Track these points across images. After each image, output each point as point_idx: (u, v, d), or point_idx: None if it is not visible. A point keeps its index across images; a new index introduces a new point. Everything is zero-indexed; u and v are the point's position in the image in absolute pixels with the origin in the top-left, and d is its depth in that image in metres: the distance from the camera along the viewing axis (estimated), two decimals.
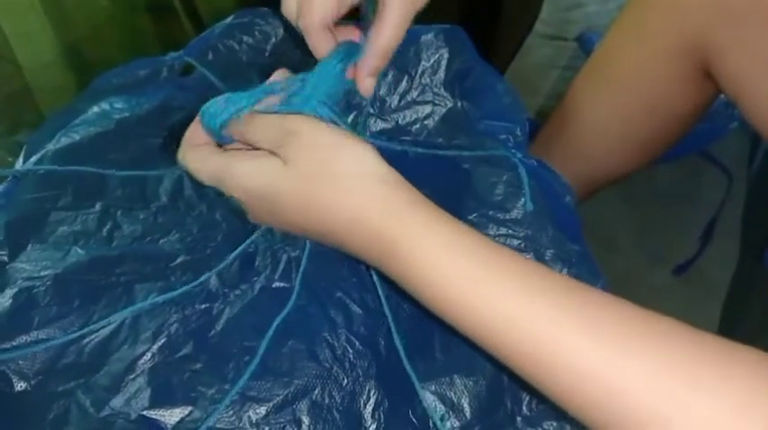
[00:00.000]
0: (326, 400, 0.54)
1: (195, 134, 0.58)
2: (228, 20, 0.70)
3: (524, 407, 0.57)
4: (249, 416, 0.52)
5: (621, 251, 1.07)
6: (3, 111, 0.80)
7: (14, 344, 0.53)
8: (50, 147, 0.61)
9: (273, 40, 0.72)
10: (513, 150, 0.59)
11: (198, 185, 0.60)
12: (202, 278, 0.56)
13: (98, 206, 0.59)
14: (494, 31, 0.65)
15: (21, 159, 0.61)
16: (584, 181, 0.83)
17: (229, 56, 0.70)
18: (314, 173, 0.50)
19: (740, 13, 0.66)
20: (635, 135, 0.82)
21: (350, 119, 0.66)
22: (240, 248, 0.58)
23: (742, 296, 0.96)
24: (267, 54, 0.71)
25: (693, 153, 1.13)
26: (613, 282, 0.59)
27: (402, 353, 0.55)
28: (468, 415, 0.56)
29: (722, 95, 0.76)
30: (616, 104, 0.81)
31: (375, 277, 0.57)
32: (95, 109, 0.63)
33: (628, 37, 0.79)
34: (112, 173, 0.60)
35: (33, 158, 0.60)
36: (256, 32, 0.71)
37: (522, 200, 0.58)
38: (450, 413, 0.55)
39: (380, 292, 0.57)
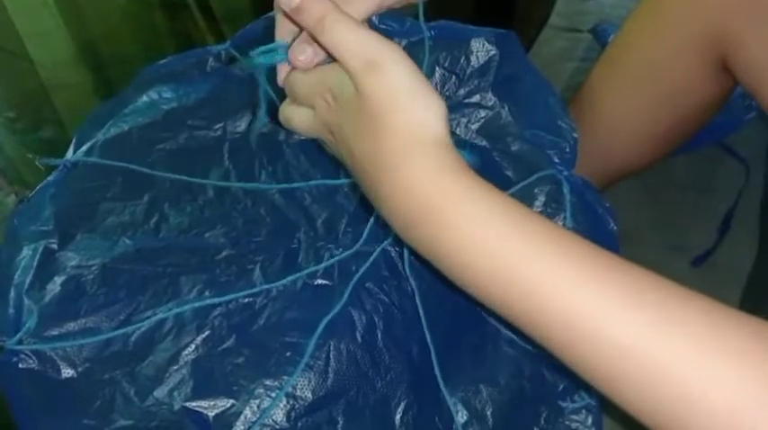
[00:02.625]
0: (360, 402, 0.55)
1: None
2: (273, 12, 0.70)
3: (542, 420, 0.59)
4: (288, 413, 0.53)
5: (639, 242, 1.07)
6: (22, 109, 0.81)
7: (62, 331, 0.54)
8: (100, 136, 0.62)
9: None
10: (560, 167, 0.59)
11: (245, 180, 0.61)
12: (255, 290, 0.57)
13: (146, 198, 0.60)
14: (508, 26, 0.64)
15: (71, 149, 0.62)
16: (602, 172, 0.83)
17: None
18: (385, 120, 0.47)
19: (758, 6, 0.66)
20: (652, 127, 0.82)
21: None
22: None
23: (761, 286, 0.96)
24: None
25: (711, 144, 1.13)
26: None
27: (434, 358, 0.56)
28: (490, 423, 0.58)
29: (740, 86, 0.76)
30: (633, 96, 0.81)
31: (412, 282, 0.58)
32: (144, 98, 0.64)
33: (645, 29, 0.78)
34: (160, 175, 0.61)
35: (83, 148, 0.61)
36: None
37: (562, 215, 0.58)
38: (474, 420, 0.57)
39: (417, 299, 0.57)
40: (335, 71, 0.49)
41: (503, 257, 0.45)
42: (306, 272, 0.58)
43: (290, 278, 0.58)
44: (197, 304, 0.55)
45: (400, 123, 0.46)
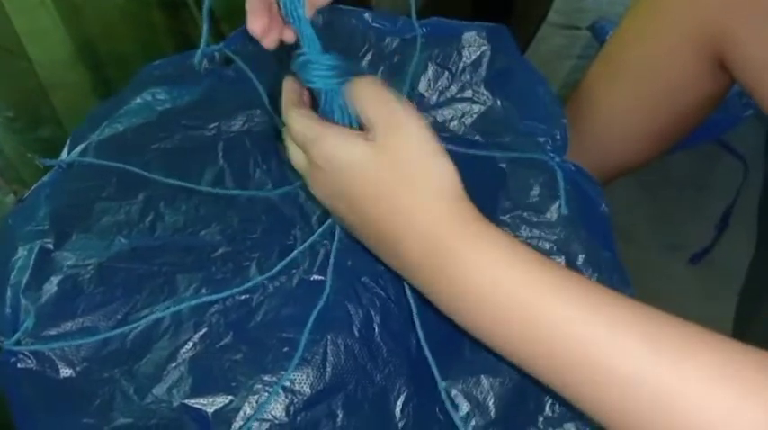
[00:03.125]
0: (359, 395, 0.55)
1: (291, 90, 0.57)
2: None
3: (547, 409, 0.59)
4: (287, 408, 0.53)
5: (637, 240, 1.07)
6: (20, 108, 0.81)
7: (60, 330, 0.55)
8: (94, 137, 0.62)
9: None
10: (552, 154, 0.59)
11: (240, 179, 0.61)
12: (248, 284, 0.57)
13: (141, 197, 0.61)
14: (506, 23, 0.64)
15: (66, 150, 0.62)
16: (600, 170, 0.83)
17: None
18: (402, 172, 0.50)
19: (756, 5, 0.67)
20: (649, 124, 0.82)
21: None
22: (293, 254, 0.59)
23: (759, 284, 0.96)
24: None
25: (709, 141, 1.13)
26: (629, 271, 0.59)
27: (426, 350, 0.56)
28: (492, 414, 0.57)
29: (737, 84, 0.76)
30: (630, 93, 0.81)
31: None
32: (138, 100, 0.64)
33: (643, 26, 0.79)
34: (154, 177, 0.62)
35: (78, 149, 0.61)
36: None
37: (557, 203, 0.58)
38: (476, 411, 0.57)
39: (408, 290, 0.58)
40: (334, 139, 0.51)
41: (523, 302, 0.46)
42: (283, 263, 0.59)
43: (281, 265, 0.58)
44: (194, 302, 0.55)
45: (434, 167, 0.49)
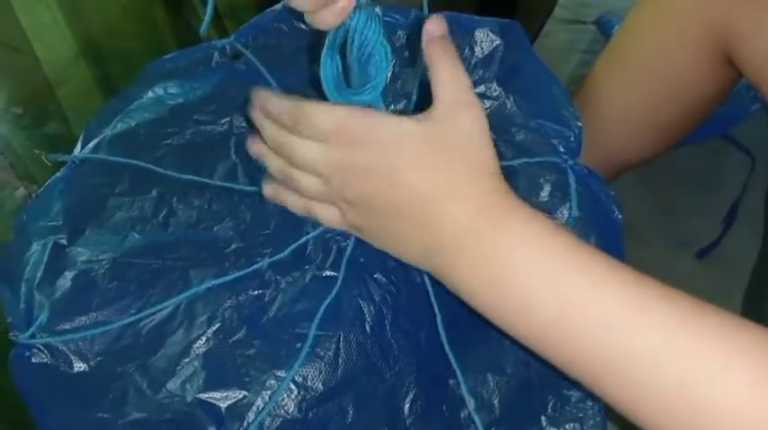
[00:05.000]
0: (370, 392, 0.56)
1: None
2: (279, 5, 0.70)
3: (549, 408, 0.60)
4: (299, 404, 0.54)
5: (643, 234, 1.07)
6: (26, 105, 0.81)
7: (74, 325, 0.55)
8: (107, 132, 0.62)
9: None
10: (565, 156, 0.59)
11: (252, 174, 0.61)
12: (256, 266, 0.58)
13: (154, 192, 0.61)
14: (512, 18, 0.64)
15: (79, 145, 0.62)
16: (606, 164, 0.83)
17: (278, 40, 0.70)
18: (459, 142, 0.51)
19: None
20: (655, 119, 0.82)
21: (400, 107, 0.67)
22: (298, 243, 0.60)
23: (765, 279, 0.97)
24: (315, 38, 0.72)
25: (715, 136, 1.13)
26: (636, 266, 0.60)
27: (448, 349, 0.57)
28: (497, 412, 0.58)
29: (744, 79, 0.76)
30: (636, 88, 0.81)
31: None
32: (150, 94, 0.64)
33: (649, 21, 0.79)
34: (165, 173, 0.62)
35: (91, 144, 0.61)
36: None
37: (568, 204, 0.59)
38: (481, 409, 0.58)
39: (429, 288, 0.58)
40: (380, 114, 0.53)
41: (556, 284, 0.47)
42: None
43: (292, 247, 0.59)
44: (203, 287, 0.56)
45: (486, 149, 0.52)
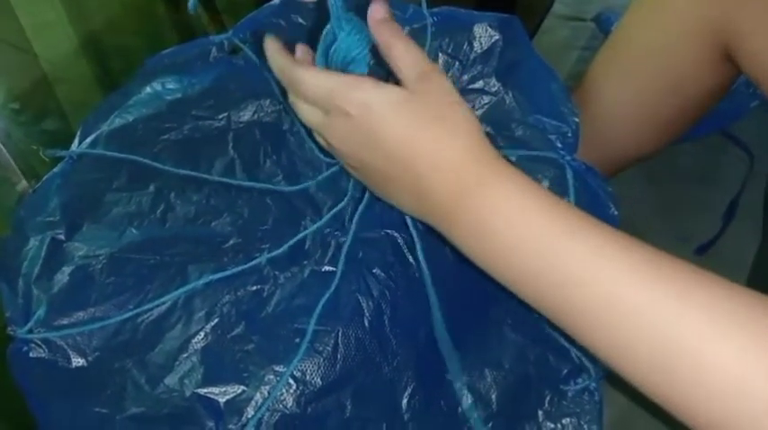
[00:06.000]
0: (368, 388, 0.56)
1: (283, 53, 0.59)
2: (277, 1, 0.70)
3: (546, 403, 0.60)
4: (298, 399, 0.54)
5: (643, 231, 1.07)
6: (25, 101, 0.81)
7: (72, 320, 0.55)
8: (104, 128, 0.62)
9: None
10: (562, 152, 0.59)
11: (250, 169, 0.61)
12: (254, 262, 0.58)
13: (152, 188, 0.61)
14: (511, 14, 0.64)
15: (76, 140, 0.62)
16: (605, 161, 0.83)
17: (276, 35, 0.70)
18: (432, 113, 0.52)
19: None
20: (655, 115, 0.82)
21: None
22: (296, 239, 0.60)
23: (764, 275, 0.97)
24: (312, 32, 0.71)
25: (715, 132, 1.13)
26: None
27: (450, 343, 0.57)
28: (494, 407, 0.59)
29: (743, 75, 0.76)
30: (635, 85, 0.81)
31: (424, 266, 0.59)
32: (148, 90, 0.64)
33: (648, 17, 0.78)
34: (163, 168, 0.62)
35: (88, 140, 0.61)
36: (305, 11, 0.71)
37: (566, 200, 0.58)
38: (479, 404, 0.58)
39: (428, 282, 0.58)
40: (370, 84, 0.53)
41: (536, 235, 0.49)
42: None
43: (291, 242, 0.59)
44: (201, 282, 0.56)
45: (460, 111, 0.53)
